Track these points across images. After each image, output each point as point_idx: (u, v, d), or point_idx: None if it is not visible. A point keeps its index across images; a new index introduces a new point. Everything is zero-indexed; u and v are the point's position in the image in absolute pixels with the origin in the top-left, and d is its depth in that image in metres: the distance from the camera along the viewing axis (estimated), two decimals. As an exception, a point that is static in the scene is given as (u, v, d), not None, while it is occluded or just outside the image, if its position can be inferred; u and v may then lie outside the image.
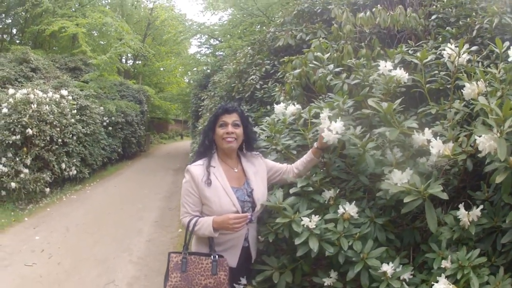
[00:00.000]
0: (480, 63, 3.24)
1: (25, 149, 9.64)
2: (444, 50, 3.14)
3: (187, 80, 36.37)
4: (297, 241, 2.44)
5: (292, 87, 4.27)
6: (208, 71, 16.33)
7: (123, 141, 17.53)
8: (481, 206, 2.37)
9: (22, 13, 20.54)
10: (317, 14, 6.33)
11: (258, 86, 6.36)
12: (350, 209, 2.58)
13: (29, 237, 7.33)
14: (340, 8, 4.84)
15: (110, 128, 15.61)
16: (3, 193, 9.14)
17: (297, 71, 4.20)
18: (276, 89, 5.20)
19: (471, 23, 4.23)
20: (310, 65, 4.02)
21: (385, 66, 3.04)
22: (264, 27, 18.64)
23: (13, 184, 9.02)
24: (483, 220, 2.37)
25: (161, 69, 32.07)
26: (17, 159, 9.45)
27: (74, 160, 11.61)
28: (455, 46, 2.94)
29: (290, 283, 2.69)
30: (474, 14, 4.52)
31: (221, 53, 21.76)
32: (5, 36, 24.08)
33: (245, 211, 2.71)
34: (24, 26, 22.49)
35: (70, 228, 7.97)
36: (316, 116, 3.14)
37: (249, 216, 2.69)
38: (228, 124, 2.80)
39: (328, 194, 2.76)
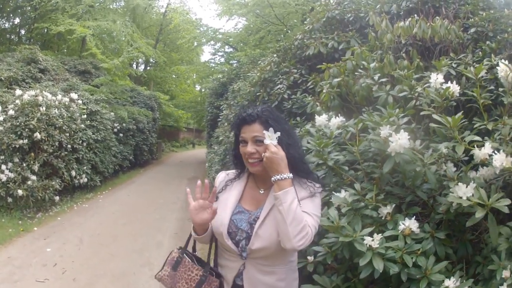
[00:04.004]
0: None
1: (32, 154, 9.56)
2: (488, 65, 3.36)
3: (198, 88, 36.95)
4: (362, 262, 2.40)
5: (332, 97, 4.27)
6: (225, 79, 16.42)
7: (134, 148, 17.71)
8: None
9: (31, 12, 20.96)
10: (349, 22, 6.38)
11: (286, 96, 6.31)
12: (411, 224, 2.59)
13: (40, 249, 7.17)
14: (379, 16, 4.86)
15: (121, 134, 15.75)
16: (10, 200, 8.98)
17: (337, 80, 4.20)
18: (309, 99, 5.20)
19: (509, 39, 4.38)
20: (356, 73, 4.02)
21: (436, 79, 3.11)
22: (283, 35, 19.00)
23: (20, 192, 8.88)
24: None
25: (173, 76, 32.40)
26: (24, 164, 9.35)
27: (85, 168, 11.60)
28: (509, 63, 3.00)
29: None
30: (509, 29, 4.69)
31: (235, 61, 22.04)
32: (13, 36, 24.55)
33: (237, 240, 2.30)
34: (32, 26, 22.95)
35: (83, 239, 7.88)
36: (364, 129, 3.17)
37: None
38: (247, 141, 2.25)
39: (385, 210, 2.76)
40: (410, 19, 4.61)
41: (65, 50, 24.98)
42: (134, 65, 30.33)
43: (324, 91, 4.47)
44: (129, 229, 8.83)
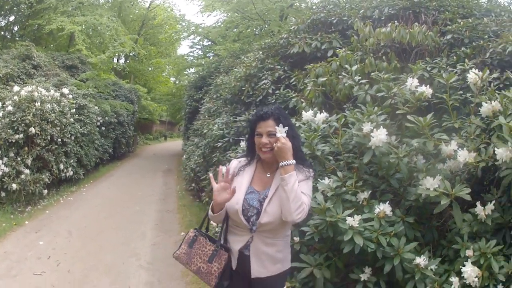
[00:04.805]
0: (491, 84, 3.91)
1: (26, 148, 9.70)
2: (460, 70, 3.92)
3: (173, 80, 37.06)
4: (346, 238, 2.87)
5: (317, 94, 4.71)
6: (204, 72, 16.70)
7: (114, 141, 17.87)
8: (493, 202, 3.01)
9: (25, 9, 21.26)
10: (333, 24, 6.80)
11: (270, 91, 6.72)
12: (385, 208, 3.08)
13: (33, 243, 7.30)
14: (364, 22, 5.30)
15: (103, 128, 15.89)
16: (3, 194, 9.11)
17: (322, 79, 4.65)
18: (293, 96, 5.60)
19: (484, 46, 4.82)
20: (340, 76, 4.46)
21: (412, 82, 3.61)
22: (260, 29, 19.39)
23: (14, 185, 9.03)
24: (495, 214, 3.00)
25: (149, 68, 32.53)
26: (19, 159, 9.50)
27: (71, 161, 11.77)
28: (479, 71, 3.53)
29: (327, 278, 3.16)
30: (486, 36, 5.15)
31: (211, 54, 22.34)
32: (6, 33, 24.84)
33: (249, 216, 2.76)
34: (26, 23, 23.19)
35: (72, 232, 8.07)
36: (344, 124, 3.67)
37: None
38: (262, 134, 2.74)
39: (362, 195, 3.25)
40: (390, 24, 5.08)
41: (51, 46, 25.14)
42: (115, 59, 30.40)
43: (308, 88, 4.92)
44: (113, 221, 9.09)
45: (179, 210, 10.41)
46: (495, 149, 2.84)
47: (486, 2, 7.25)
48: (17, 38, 22.92)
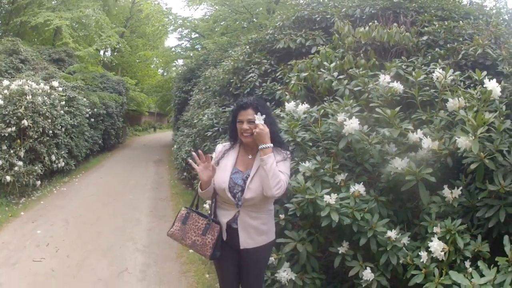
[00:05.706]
0: (462, 82, 4.36)
1: (18, 141, 9.86)
2: (434, 69, 4.23)
3: (161, 72, 37.25)
4: (323, 214, 3.32)
5: (299, 88, 5.15)
6: (193, 64, 17.01)
7: (103, 132, 18.03)
8: (461, 187, 3.46)
9: (7, 5, 21.34)
10: (316, 21, 7.19)
11: (257, 84, 7.11)
12: (359, 187, 3.55)
13: (30, 232, 7.42)
14: (343, 21, 5.71)
15: (92, 119, 16.07)
16: None
17: (304, 74, 5.09)
18: (278, 88, 6.01)
19: (457, 48, 5.20)
20: (319, 72, 4.90)
21: (384, 78, 4.07)
22: (248, 22, 19.70)
23: (7, 178, 9.09)
24: (462, 198, 3.46)
25: (137, 61, 32.71)
26: (12, 151, 9.62)
27: (63, 152, 11.96)
28: (443, 69, 3.94)
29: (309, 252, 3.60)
30: (461, 39, 5.52)
31: (199, 46, 22.61)
32: None
33: (235, 193, 3.16)
34: (8, 19, 23.15)
35: (69, 220, 8.23)
36: (325, 115, 4.14)
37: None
38: (243, 121, 3.16)
39: (340, 177, 3.73)
40: (370, 23, 5.51)
41: (35, 40, 25.18)
42: (102, 51, 30.48)
43: (292, 82, 5.37)
44: (108, 209, 9.35)
45: (172, 197, 10.72)
46: (456, 138, 3.22)
47: (468, 4, 7.57)
48: (0, 34, 22.97)
